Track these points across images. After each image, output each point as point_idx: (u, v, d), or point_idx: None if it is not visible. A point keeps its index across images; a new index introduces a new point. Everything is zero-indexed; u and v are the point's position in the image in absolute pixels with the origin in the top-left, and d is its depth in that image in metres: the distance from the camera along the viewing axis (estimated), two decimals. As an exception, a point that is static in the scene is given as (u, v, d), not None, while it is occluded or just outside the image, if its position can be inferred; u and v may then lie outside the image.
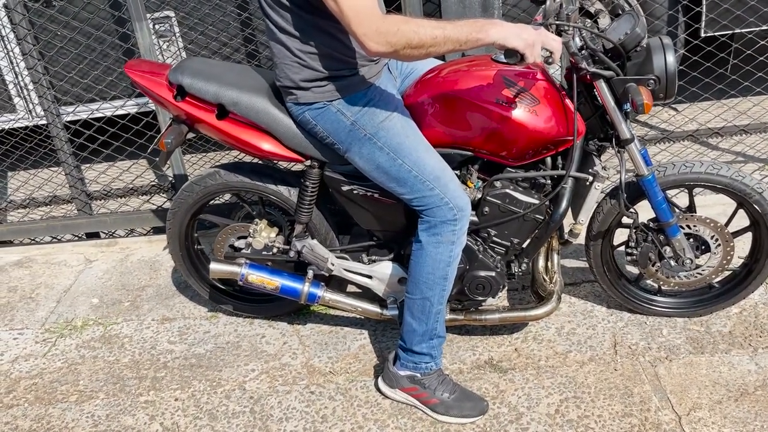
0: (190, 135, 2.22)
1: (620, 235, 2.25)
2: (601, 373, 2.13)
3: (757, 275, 2.19)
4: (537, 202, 2.01)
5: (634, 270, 2.35)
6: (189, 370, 2.35)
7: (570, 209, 2.05)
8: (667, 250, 2.12)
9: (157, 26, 3.46)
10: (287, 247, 2.23)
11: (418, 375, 2.05)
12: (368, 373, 2.25)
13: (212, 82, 2.01)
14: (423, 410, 2.06)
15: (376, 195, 2.05)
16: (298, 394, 2.20)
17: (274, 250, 2.25)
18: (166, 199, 3.24)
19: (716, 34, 3.24)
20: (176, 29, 3.41)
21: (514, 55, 1.61)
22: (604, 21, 2.65)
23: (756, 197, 2.06)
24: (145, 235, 3.28)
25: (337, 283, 2.30)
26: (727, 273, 2.26)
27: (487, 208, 2.03)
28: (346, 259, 2.23)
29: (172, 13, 3.38)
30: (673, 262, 2.13)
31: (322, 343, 2.40)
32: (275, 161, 2.12)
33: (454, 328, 2.31)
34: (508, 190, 2.01)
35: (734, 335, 2.23)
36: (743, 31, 3.19)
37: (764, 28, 3.16)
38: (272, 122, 2.00)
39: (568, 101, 1.91)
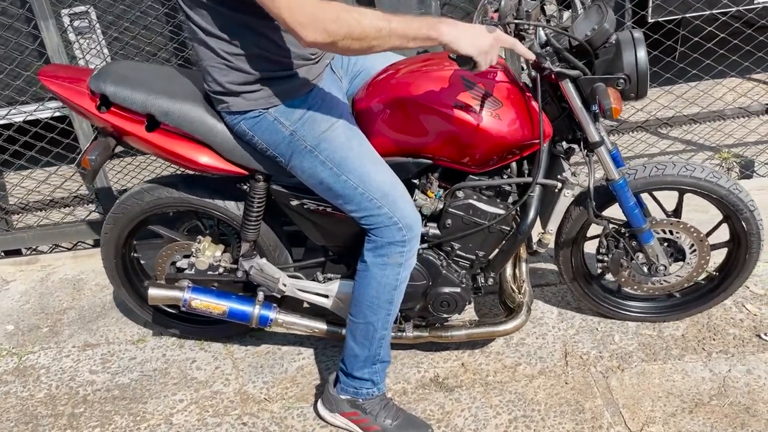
0: (119, 148, 2.00)
1: (592, 243, 2.12)
2: (552, 388, 2.02)
3: (724, 290, 2.09)
4: (503, 212, 1.86)
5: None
6: (111, 404, 2.15)
7: (538, 217, 1.91)
8: (640, 257, 2.00)
9: (75, 23, 3.21)
10: (234, 266, 2.04)
11: (360, 400, 1.90)
12: (306, 399, 2.09)
13: (139, 90, 1.81)
14: None
15: (328, 209, 1.87)
16: (229, 426, 2.02)
17: (220, 270, 2.05)
18: (89, 212, 3.01)
19: (663, 20, 3.14)
20: (96, 25, 3.15)
21: (466, 61, 1.48)
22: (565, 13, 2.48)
23: (747, 215, 1.94)
24: (70, 250, 3.05)
25: (290, 302, 2.11)
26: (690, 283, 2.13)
27: (449, 221, 1.87)
28: (300, 278, 2.05)
29: (90, 8, 3.12)
30: (645, 269, 2.01)
31: (257, 366, 2.23)
32: (215, 175, 1.94)
33: (400, 345, 2.16)
34: (471, 201, 1.85)
35: (687, 339, 2.14)
36: (690, 16, 3.10)
37: (713, 12, 3.08)
38: (208, 133, 1.80)
39: (533, 102, 1.76)
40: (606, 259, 2.02)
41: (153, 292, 2.02)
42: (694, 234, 2.00)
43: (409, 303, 1.93)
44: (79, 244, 3.05)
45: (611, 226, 1.99)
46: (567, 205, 1.90)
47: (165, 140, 1.84)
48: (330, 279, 2.03)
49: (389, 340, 1.89)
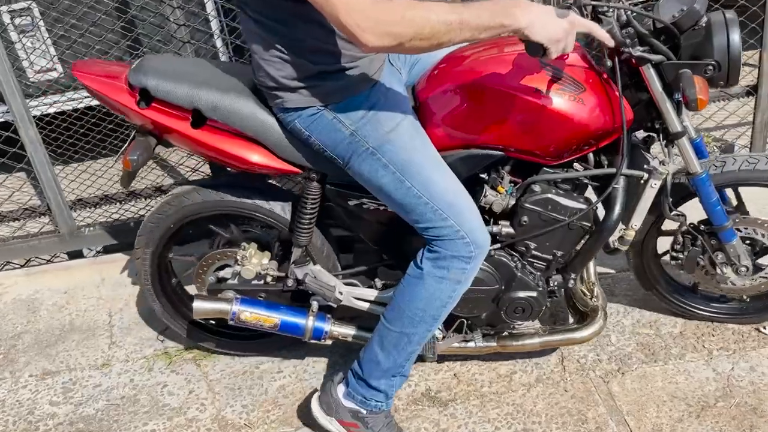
0: (159, 148, 1.85)
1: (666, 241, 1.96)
2: (551, 397, 1.91)
3: None
4: (584, 206, 1.70)
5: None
6: (75, 439, 1.97)
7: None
8: (719, 256, 1.85)
9: (16, 20, 2.96)
10: (282, 274, 1.89)
11: (364, 411, 1.75)
12: (290, 422, 1.94)
13: (183, 83, 1.67)
14: None
15: (390, 208, 1.71)
16: (207, 458, 1.87)
17: (268, 278, 1.90)
18: (42, 225, 2.79)
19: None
20: (40, 23, 2.91)
21: (536, 49, 1.35)
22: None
23: None
24: (22, 267, 2.82)
25: (341, 311, 1.94)
26: None
27: (525, 218, 1.70)
28: (356, 285, 1.90)
29: (31, 4, 2.88)
30: (726, 269, 1.87)
31: (234, 388, 2.07)
32: (266, 174, 1.79)
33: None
34: (550, 195, 1.69)
35: (686, 336, 2.05)
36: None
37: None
38: (261, 129, 1.67)
39: (612, 88, 1.61)
40: (681, 256, 1.88)
41: (199, 305, 1.86)
42: None
43: (478, 310, 1.80)
44: (33, 260, 2.82)
45: (689, 222, 1.84)
46: (652, 197, 1.72)
47: (212, 137, 1.69)
48: (388, 286, 1.88)
49: (417, 354, 1.75)
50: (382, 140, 1.55)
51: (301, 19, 1.45)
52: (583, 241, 1.78)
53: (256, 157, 1.70)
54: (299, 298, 1.92)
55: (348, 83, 1.54)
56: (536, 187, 1.70)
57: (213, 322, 2.09)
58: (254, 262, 1.88)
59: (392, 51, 1.37)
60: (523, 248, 1.77)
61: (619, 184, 1.68)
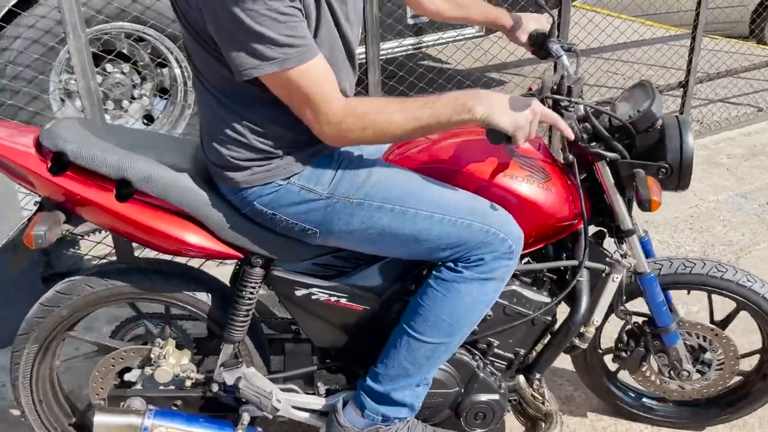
0: (65, 226, 1.55)
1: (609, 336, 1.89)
2: None
3: (754, 400, 1.94)
4: (548, 300, 1.64)
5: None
6: None
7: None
8: (663, 358, 1.84)
9: None
10: (201, 376, 1.67)
11: (382, 427, 1.63)
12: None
13: (110, 149, 1.46)
14: None
15: (342, 300, 1.59)
16: None
17: (188, 383, 1.66)
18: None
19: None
20: None
21: (499, 138, 1.35)
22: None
23: None
24: None
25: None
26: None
27: (489, 312, 1.61)
28: (295, 391, 1.69)
29: None
30: (668, 372, 1.86)
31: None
32: (200, 258, 1.57)
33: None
34: (514, 287, 1.62)
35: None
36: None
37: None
38: (203, 206, 1.47)
39: (571, 179, 1.60)
40: (624, 355, 1.86)
41: (101, 419, 1.58)
42: (725, 342, 1.84)
43: (434, 417, 1.68)
44: None
45: (633, 321, 1.85)
46: (614, 291, 1.69)
47: (140, 213, 1.46)
48: (332, 392, 1.70)
49: None
50: (364, 188, 1.46)
51: (264, 103, 1.36)
52: (546, 339, 1.73)
53: (193, 237, 1.48)
54: (220, 407, 1.69)
55: (309, 154, 1.46)
56: None
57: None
58: (171, 362, 1.63)
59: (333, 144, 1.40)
60: (485, 345, 1.68)
61: (583, 277, 1.66)
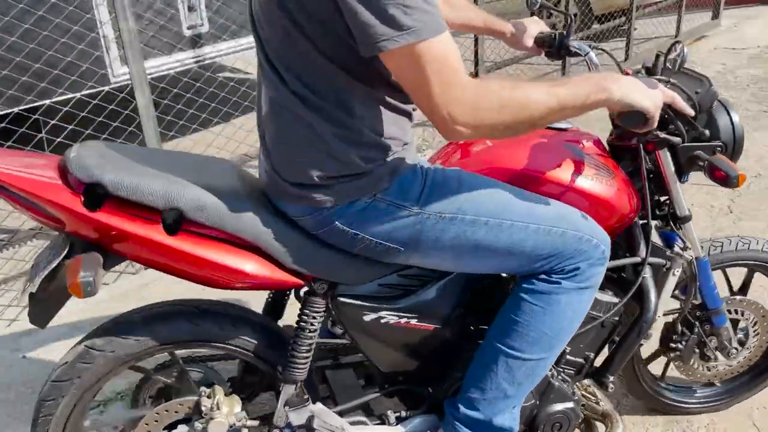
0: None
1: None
2: None
3: None
4: (616, 300, 1.58)
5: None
6: None
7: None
8: (713, 341, 1.83)
9: None
10: (254, 423, 1.50)
11: None
12: None
13: (155, 177, 1.28)
14: None
15: (412, 321, 1.47)
16: None
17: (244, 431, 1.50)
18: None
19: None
20: None
21: (636, 118, 1.29)
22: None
23: None
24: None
25: None
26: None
27: None
28: (364, 423, 1.56)
29: None
30: (718, 354, 1.85)
31: None
32: (255, 289, 1.39)
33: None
34: None
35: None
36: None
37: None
38: (264, 232, 1.32)
39: (623, 174, 1.57)
40: (680, 346, 1.83)
41: None
42: (754, 308, 1.88)
43: None
44: None
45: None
46: (674, 285, 1.67)
47: (193, 246, 1.29)
48: (402, 419, 1.57)
49: None
50: (456, 202, 1.35)
51: (364, 103, 1.25)
52: (625, 340, 1.66)
53: (251, 267, 1.33)
54: None
55: (396, 165, 1.34)
56: None
57: None
58: (224, 411, 1.45)
59: (478, 138, 1.25)
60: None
61: (647, 273, 1.62)
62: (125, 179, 1.25)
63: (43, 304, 1.32)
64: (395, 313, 1.46)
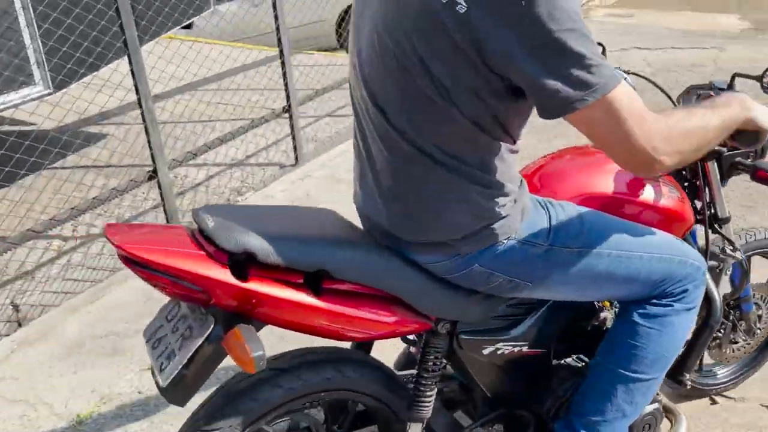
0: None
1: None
2: None
3: None
4: None
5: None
6: None
7: None
8: (743, 325, 2.01)
9: None
10: None
11: None
12: None
13: (303, 240, 1.30)
14: None
15: (524, 348, 1.56)
16: None
17: None
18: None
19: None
20: None
21: (751, 139, 1.39)
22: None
23: None
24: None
25: None
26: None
27: None
28: None
29: None
30: (746, 337, 2.02)
31: None
32: (386, 338, 1.43)
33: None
34: None
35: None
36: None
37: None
38: (399, 280, 1.37)
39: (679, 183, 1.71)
40: (720, 334, 2.00)
41: None
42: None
43: None
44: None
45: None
46: (727, 284, 1.84)
47: (339, 304, 1.31)
48: None
49: None
50: (582, 236, 1.44)
51: (494, 153, 1.29)
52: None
53: (389, 317, 1.37)
54: None
55: (525, 203, 1.42)
56: None
57: None
58: None
59: (677, 167, 1.31)
60: None
61: (707, 275, 1.72)
62: (272, 246, 1.24)
63: (184, 383, 1.27)
64: (510, 343, 1.55)
